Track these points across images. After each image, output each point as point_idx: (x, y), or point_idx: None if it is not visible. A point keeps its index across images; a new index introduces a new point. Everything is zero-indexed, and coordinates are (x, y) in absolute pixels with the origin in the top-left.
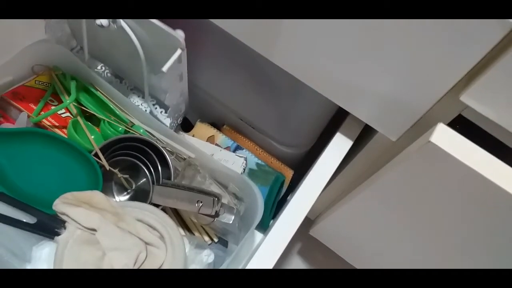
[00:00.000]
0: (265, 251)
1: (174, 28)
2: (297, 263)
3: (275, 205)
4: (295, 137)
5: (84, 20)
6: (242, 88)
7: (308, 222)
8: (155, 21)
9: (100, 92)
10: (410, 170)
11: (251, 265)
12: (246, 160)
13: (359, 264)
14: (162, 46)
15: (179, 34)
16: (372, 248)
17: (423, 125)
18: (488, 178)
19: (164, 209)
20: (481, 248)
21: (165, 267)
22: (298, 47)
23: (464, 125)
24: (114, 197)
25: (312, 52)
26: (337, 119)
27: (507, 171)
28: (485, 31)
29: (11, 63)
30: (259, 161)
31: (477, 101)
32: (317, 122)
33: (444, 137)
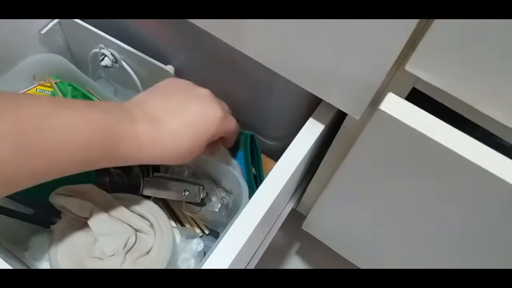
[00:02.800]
0: (224, 246)
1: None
2: (295, 262)
3: (260, 165)
4: (275, 130)
5: (89, 62)
6: (220, 81)
7: (303, 219)
8: (149, 58)
9: (97, 98)
10: (368, 145)
11: (208, 263)
12: None
13: (353, 258)
14: (156, 78)
15: (170, 67)
16: (360, 237)
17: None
18: (441, 143)
19: (156, 203)
20: (446, 215)
21: (153, 251)
22: (263, 38)
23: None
24: (108, 191)
25: (276, 42)
26: None
27: (460, 136)
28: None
29: (14, 74)
30: None
31: (421, 70)
32: (295, 113)
33: (394, 105)
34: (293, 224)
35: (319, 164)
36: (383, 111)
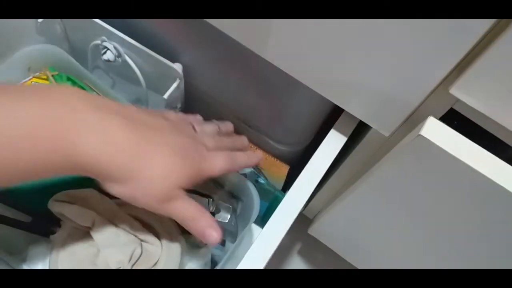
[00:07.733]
0: (256, 251)
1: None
2: (297, 263)
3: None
4: (289, 135)
5: (89, 53)
6: (236, 85)
7: (308, 222)
8: (156, 55)
9: (95, 91)
10: (401, 165)
11: (242, 265)
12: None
13: (358, 263)
14: (162, 76)
15: (178, 66)
16: (370, 246)
17: (416, 120)
18: (480, 172)
19: None
20: (477, 243)
21: (160, 263)
22: (288, 43)
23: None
24: (111, 196)
25: (303, 49)
26: (335, 117)
27: (501, 165)
28: (471, 22)
29: (8, 65)
30: (261, 179)
31: (466, 94)
32: (312, 120)
33: (435, 130)
34: (295, 225)
35: (332, 171)
36: (424, 137)
